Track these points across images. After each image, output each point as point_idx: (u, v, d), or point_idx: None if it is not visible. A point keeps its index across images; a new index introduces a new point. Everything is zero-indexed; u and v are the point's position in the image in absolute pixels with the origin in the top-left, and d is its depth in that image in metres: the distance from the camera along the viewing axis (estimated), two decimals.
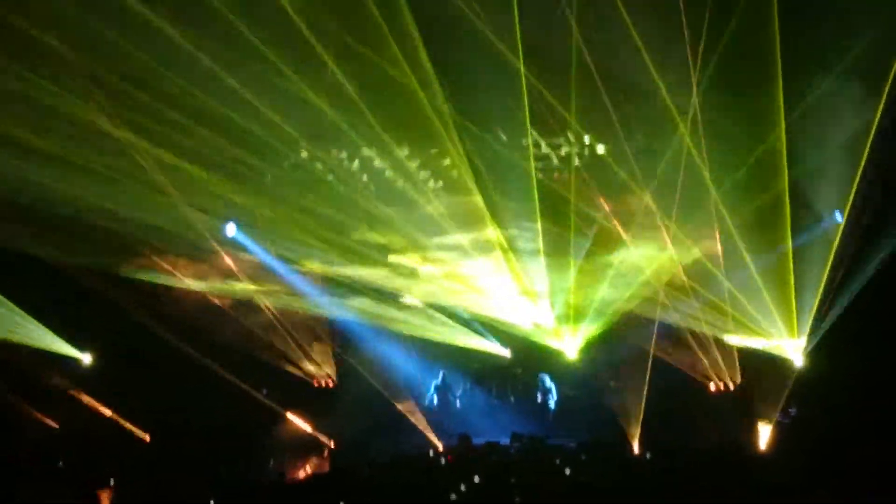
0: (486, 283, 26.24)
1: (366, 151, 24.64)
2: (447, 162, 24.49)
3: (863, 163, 22.02)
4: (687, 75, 21.75)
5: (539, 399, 27.81)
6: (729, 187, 23.41)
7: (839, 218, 23.99)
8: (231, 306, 26.32)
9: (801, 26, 20.64)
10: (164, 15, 19.48)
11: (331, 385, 27.19)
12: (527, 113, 22.86)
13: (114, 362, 24.98)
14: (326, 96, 21.96)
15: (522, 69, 21.83)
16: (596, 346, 26.31)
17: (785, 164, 22.55)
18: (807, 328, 24.83)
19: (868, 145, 21.84)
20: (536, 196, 24.54)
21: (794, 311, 24.60)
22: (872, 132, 21.62)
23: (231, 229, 24.91)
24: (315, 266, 25.97)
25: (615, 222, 25.03)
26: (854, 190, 22.63)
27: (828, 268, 23.95)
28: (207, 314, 25.93)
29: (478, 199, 24.24)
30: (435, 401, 27.56)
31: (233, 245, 25.35)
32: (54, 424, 24.46)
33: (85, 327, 24.64)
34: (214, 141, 22.09)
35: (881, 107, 21.20)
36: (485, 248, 25.50)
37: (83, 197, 21.78)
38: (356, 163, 24.80)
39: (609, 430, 24.00)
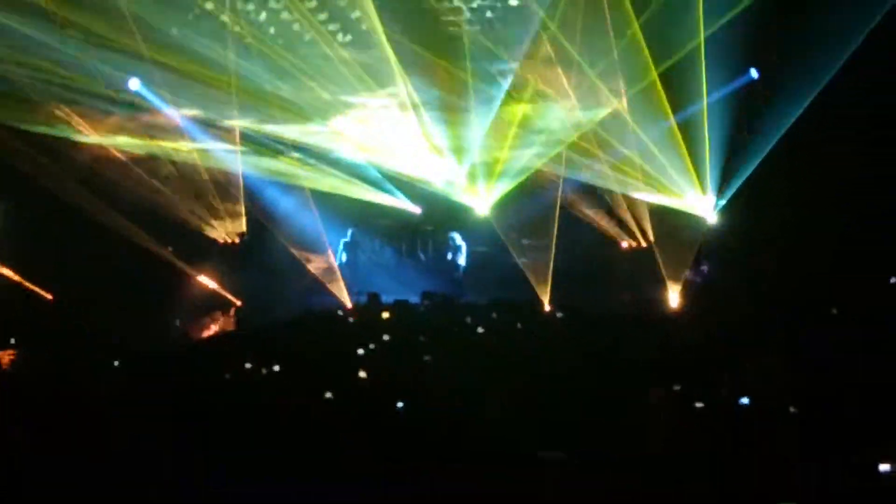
0: (396, 140, 25.97)
1: (272, 3, 24.03)
2: (356, 14, 23.93)
3: None
4: None
5: (449, 257, 27.74)
6: (635, 46, 23.34)
7: (754, 74, 24.05)
8: (135, 162, 25.73)
9: None
10: None
11: (237, 242, 26.80)
12: None
13: (13, 220, 24.30)
14: None
15: None
16: (507, 204, 26.26)
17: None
18: (716, 185, 24.98)
19: None
20: (447, 51, 24.24)
21: (704, 169, 24.72)
22: None
23: (134, 83, 24.25)
24: (221, 121, 25.47)
25: (526, 79, 24.81)
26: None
27: (736, 126, 24.14)
28: (111, 170, 25.38)
29: (388, 54, 23.80)
30: (344, 259, 27.34)
31: (137, 100, 24.67)
32: None
33: None
34: None
35: None
36: (395, 103, 25.18)
37: None
38: (263, 15, 24.13)
39: (520, 288, 23.99)
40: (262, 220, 26.43)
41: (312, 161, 26.70)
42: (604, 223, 26.84)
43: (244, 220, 26.85)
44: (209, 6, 23.62)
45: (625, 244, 26.96)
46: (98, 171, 24.99)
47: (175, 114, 25.06)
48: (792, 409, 11.87)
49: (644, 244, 26.48)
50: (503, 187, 26.10)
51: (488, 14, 24.33)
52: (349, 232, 27.56)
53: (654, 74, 23.63)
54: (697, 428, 11.85)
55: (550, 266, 24.27)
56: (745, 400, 12.52)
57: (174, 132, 25.53)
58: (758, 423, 11.61)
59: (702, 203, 25.44)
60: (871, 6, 21.34)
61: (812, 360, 13.90)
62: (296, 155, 26.46)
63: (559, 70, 24.50)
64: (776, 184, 23.91)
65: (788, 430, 11.20)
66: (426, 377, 14.73)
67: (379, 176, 26.74)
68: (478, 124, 25.34)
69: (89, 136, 25.01)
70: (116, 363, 16.44)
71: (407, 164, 26.19)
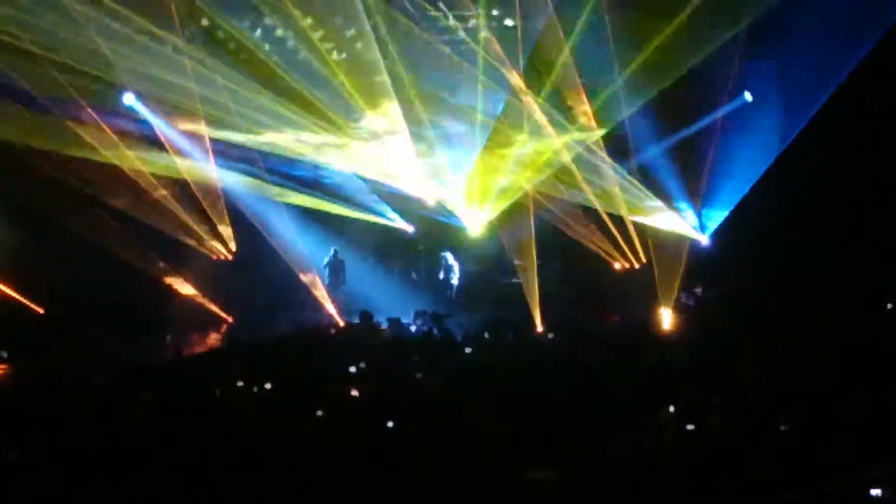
0: (390, 160, 25.94)
1: (268, 21, 24.09)
2: (351, 33, 24.00)
3: None
4: None
5: (442, 276, 27.70)
6: (628, 70, 23.50)
7: (748, 98, 24.13)
8: (127, 177, 25.60)
9: None
10: None
11: (230, 259, 26.71)
12: None
13: (5, 232, 24.23)
14: None
15: None
16: (500, 224, 26.29)
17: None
18: (709, 208, 25.10)
19: None
20: (443, 71, 24.33)
21: (697, 192, 24.85)
22: None
23: (129, 98, 24.29)
24: (215, 137, 25.44)
25: (521, 101, 24.84)
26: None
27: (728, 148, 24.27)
28: (103, 184, 25.27)
29: (383, 73, 23.85)
30: (326, 278, 27.14)
31: (131, 114, 24.70)
32: None
33: None
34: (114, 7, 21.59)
35: None
36: (390, 123, 25.17)
37: None
38: (259, 32, 24.19)
39: (512, 308, 24.00)
40: (254, 238, 26.31)
41: (307, 180, 26.74)
42: (596, 244, 26.81)
43: (237, 236, 26.76)
44: (205, 23, 23.68)
45: (617, 265, 26.94)
46: (91, 185, 24.91)
47: (167, 128, 25.04)
48: (783, 427, 11.88)
49: (637, 265, 26.48)
50: (496, 207, 26.12)
51: (483, 34, 24.37)
52: (331, 251, 27.35)
53: (648, 97, 23.74)
54: (688, 450, 11.86)
55: (543, 286, 24.26)
56: None
57: (166, 147, 25.48)
58: (748, 446, 11.59)
59: (694, 225, 25.52)
60: (862, 33, 21.50)
61: (803, 383, 13.89)
62: (289, 171, 26.47)
63: (553, 91, 24.58)
64: (769, 206, 23.98)
65: (779, 453, 11.20)
66: (418, 396, 14.72)
67: (373, 195, 26.79)
68: (472, 145, 25.41)
69: (79, 149, 24.93)
70: (107, 379, 16.41)
71: (401, 183, 26.23)
